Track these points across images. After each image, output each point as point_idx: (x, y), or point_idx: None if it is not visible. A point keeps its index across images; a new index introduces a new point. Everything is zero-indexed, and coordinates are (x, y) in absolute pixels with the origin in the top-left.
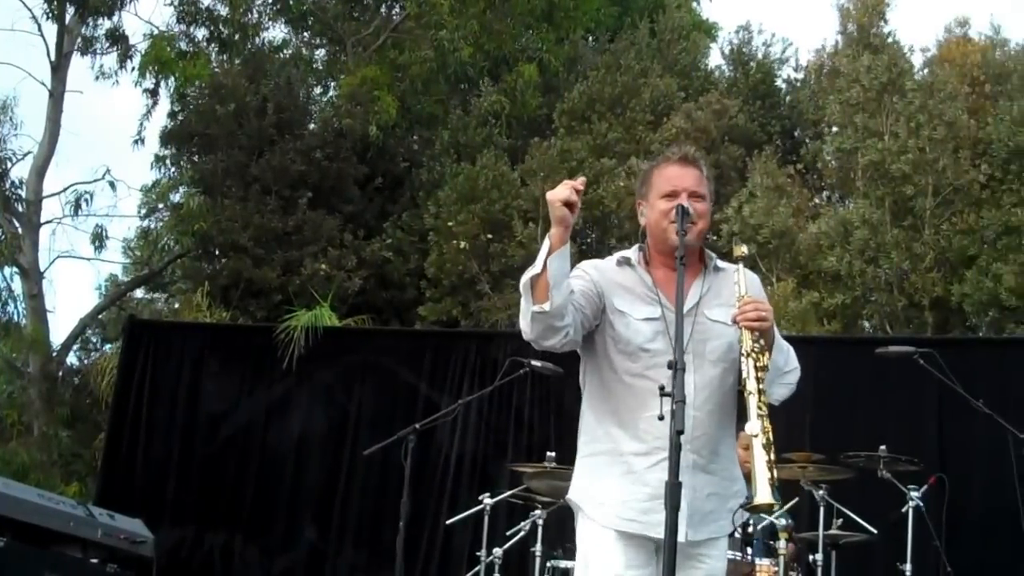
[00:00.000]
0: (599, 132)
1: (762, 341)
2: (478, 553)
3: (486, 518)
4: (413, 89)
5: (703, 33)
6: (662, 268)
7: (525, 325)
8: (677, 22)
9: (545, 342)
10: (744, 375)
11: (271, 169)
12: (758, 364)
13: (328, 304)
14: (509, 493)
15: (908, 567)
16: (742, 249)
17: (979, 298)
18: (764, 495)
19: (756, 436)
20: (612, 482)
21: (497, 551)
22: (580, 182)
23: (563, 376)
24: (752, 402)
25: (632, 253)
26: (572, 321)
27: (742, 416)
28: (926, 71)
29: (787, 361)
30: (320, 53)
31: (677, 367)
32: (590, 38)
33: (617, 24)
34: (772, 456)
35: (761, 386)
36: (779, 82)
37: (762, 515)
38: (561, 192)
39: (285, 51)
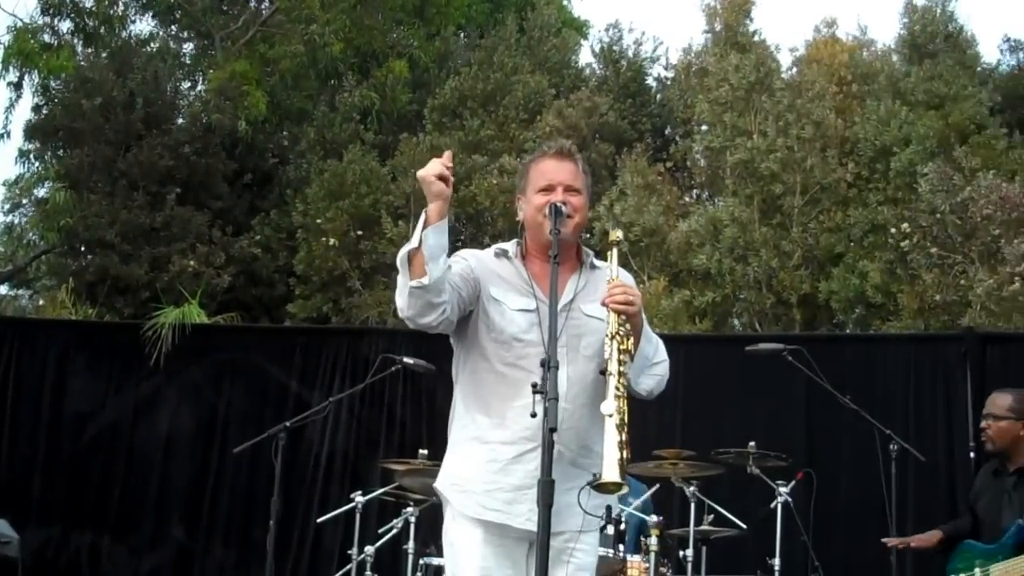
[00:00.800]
0: (471, 128)
1: (628, 325)
2: (350, 551)
3: (358, 516)
4: (283, 84)
5: (574, 30)
6: (539, 262)
7: (402, 302)
8: (547, 19)
9: (422, 319)
10: (606, 356)
11: (138, 164)
12: (621, 347)
13: (196, 301)
14: (381, 491)
15: (777, 561)
16: (617, 234)
17: (846, 295)
18: (611, 474)
19: (610, 416)
20: (478, 470)
21: (369, 549)
22: (447, 156)
23: (435, 373)
24: (611, 383)
25: (510, 246)
26: (449, 299)
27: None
28: (794, 70)
29: (656, 352)
30: (188, 47)
31: (550, 365)
32: (461, 34)
33: (488, 20)
34: (625, 437)
35: (622, 368)
36: (649, 80)
37: (634, 513)
38: (433, 168)
39: (152, 44)
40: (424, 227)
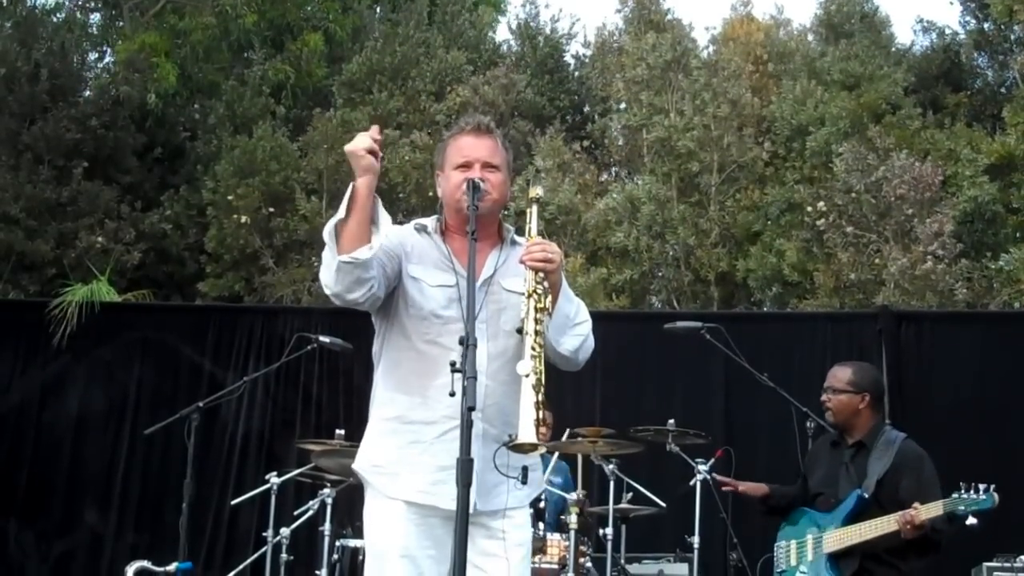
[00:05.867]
0: (380, 102)
1: (546, 283)
2: (265, 533)
3: (273, 497)
4: (195, 56)
5: (491, 6)
6: (459, 238)
7: (328, 278)
8: None
9: (350, 295)
10: (523, 314)
11: (44, 137)
12: (539, 305)
13: (106, 278)
14: (297, 472)
15: (696, 539)
16: (537, 191)
17: (763, 273)
18: (527, 434)
19: (527, 376)
20: (400, 452)
21: (285, 531)
22: (374, 130)
23: (352, 352)
24: (527, 342)
25: (430, 222)
26: (377, 275)
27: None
28: (711, 49)
29: (578, 312)
30: (95, 17)
31: (468, 342)
32: (377, 8)
33: None
34: (541, 397)
35: (539, 327)
36: (567, 57)
37: (553, 491)
38: (361, 141)
39: (58, 14)
40: (351, 202)
